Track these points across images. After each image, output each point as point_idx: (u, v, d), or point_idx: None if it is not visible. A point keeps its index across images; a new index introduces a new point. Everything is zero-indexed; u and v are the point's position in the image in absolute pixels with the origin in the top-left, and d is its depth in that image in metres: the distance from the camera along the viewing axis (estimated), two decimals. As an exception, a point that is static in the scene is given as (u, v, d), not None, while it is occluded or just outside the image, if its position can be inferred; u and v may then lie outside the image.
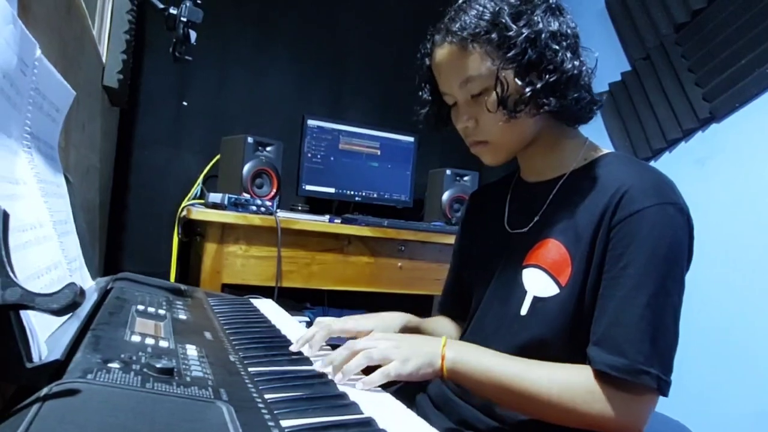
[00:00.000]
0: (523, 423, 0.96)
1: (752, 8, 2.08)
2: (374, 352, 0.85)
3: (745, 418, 1.94)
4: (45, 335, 0.54)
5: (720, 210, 2.11)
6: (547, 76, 0.93)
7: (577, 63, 0.95)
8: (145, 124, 2.51)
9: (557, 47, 0.93)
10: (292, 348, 0.91)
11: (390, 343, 0.88)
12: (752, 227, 2.02)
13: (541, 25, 0.93)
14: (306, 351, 0.93)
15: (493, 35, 0.93)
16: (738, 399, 1.98)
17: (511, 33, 0.92)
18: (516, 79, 0.94)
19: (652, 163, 2.42)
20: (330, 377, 0.81)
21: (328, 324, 0.99)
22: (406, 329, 1.11)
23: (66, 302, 0.41)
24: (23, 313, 0.44)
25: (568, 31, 0.96)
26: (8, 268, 0.41)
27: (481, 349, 0.94)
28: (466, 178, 2.72)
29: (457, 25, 0.96)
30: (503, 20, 0.93)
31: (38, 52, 0.64)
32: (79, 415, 0.42)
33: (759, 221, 2.00)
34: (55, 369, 0.48)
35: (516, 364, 0.90)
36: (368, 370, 0.84)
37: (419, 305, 3.05)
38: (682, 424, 1.23)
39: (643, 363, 0.82)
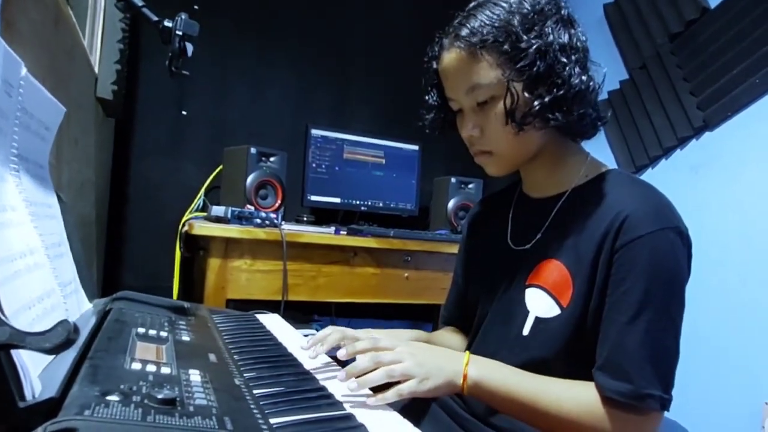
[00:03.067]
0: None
1: (743, 19, 2.15)
2: (396, 369, 0.85)
3: (739, 417, 2.03)
4: (39, 369, 0.51)
5: (713, 215, 2.21)
6: (555, 90, 0.91)
7: (585, 78, 0.94)
8: (143, 134, 2.48)
9: (566, 61, 0.92)
10: (303, 347, 0.93)
11: (413, 360, 0.87)
12: (743, 231, 2.12)
13: (552, 37, 0.91)
14: (314, 360, 0.93)
15: (504, 44, 0.92)
16: (733, 400, 2.06)
17: (521, 43, 0.91)
18: (525, 92, 0.92)
19: (649, 171, 2.53)
20: (344, 381, 0.82)
21: (343, 329, 0.99)
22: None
23: (59, 341, 0.39)
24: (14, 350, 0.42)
25: (578, 44, 0.95)
26: (-4, 306, 0.39)
27: (502, 366, 0.96)
28: (471, 186, 2.71)
29: (467, 31, 0.94)
30: (514, 29, 0.91)
31: (24, 71, 0.62)
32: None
33: (750, 226, 2.10)
34: (51, 406, 0.46)
35: (535, 382, 0.92)
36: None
37: (426, 314, 3.04)
38: (679, 424, 1.26)
39: (646, 387, 0.85)
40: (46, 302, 0.60)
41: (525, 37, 0.91)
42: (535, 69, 0.90)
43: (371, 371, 0.83)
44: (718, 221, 2.18)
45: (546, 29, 0.92)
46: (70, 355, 0.58)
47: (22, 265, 0.56)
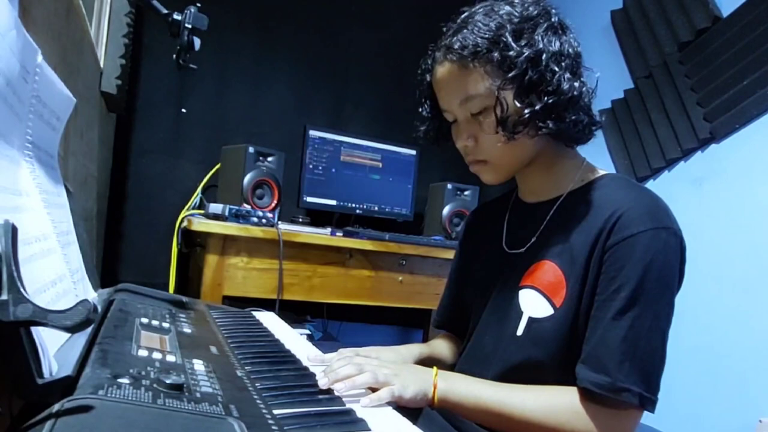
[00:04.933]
0: None
1: (756, 29, 2.09)
2: (379, 375, 0.86)
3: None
4: (53, 350, 0.52)
5: (715, 229, 2.16)
6: (546, 98, 0.92)
7: (576, 84, 0.94)
8: (144, 131, 2.48)
9: (557, 68, 0.92)
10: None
11: (390, 370, 0.90)
12: (746, 247, 2.06)
13: (541, 45, 0.92)
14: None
15: (494, 54, 0.92)
16: (727, 415, 2.03)
17: (511, 52, 0.91)
18: (515, 101, 0.93)
19: (650, 182, 2.47)
20: (327, 384, 0.81)
21: (351, 351, 1.00)
22: (422, 358, 1.15)
23: (80, 319, 0.40)
24: (33, 329, 0.43)
25: (570, 50, 0.96)
26: (19, 284, 0.39)
27: (468, 378, 0.98)
28: (466, 193, 2.72)
29: (458, 43, 0.95)
30: (504, 39, 0.92)
31: (40, 58, 0.62)
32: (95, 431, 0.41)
33: (753, 242, 2.04)
34: (67, 385, 0.47)
35: (502, 390, 0.94)
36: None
37: (419, 319, 3.05)
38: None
39: (624, 381, 0.85)
40: (58, 287, 0.61)
41: (515, 46, 0.91)
42: (526, 78, 0.91)
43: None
44: (720, 235, 2.13)
45: (536, 37, 0.92)
46: (81, 339, 0.59)
47: (37, 249, 0.57)
